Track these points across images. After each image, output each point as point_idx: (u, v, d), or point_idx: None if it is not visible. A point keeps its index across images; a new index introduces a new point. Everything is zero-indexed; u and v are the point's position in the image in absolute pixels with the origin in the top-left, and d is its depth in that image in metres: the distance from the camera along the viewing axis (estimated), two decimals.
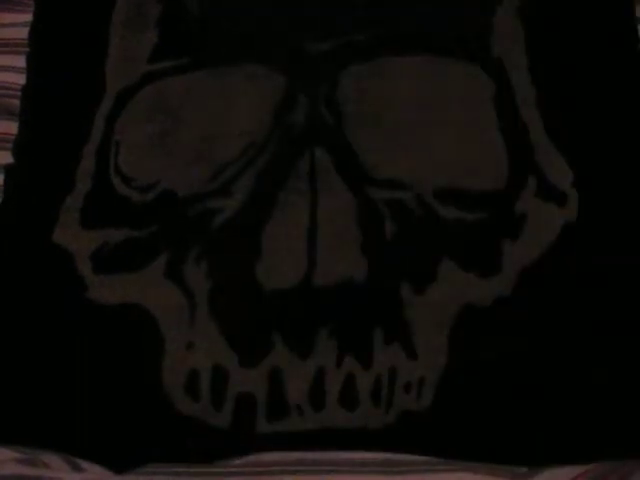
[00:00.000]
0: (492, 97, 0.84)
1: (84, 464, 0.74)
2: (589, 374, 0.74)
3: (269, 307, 0.76)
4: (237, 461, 0.74)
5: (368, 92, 0.84)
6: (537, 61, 0.86)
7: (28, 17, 0.93)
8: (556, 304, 0.76)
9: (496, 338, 0.75)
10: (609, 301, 0.76)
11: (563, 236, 0.79)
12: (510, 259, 0.78)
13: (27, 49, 0.91)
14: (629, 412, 0.73)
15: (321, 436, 0.73)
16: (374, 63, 0.85)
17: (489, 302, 0.76)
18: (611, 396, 0.73)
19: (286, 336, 0.75)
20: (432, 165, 0.81)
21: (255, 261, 0.77)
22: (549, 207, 0.80)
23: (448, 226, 0.79)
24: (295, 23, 0.88)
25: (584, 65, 0.86)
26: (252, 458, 0.74)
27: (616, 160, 0.82)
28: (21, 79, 0.90)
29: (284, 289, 0.76)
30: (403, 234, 0.79)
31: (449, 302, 0.76)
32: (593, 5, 0.88)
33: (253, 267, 0.77)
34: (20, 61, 0.91)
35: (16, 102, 0.89)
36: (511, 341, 0.75)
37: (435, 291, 0.77)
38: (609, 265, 0.78)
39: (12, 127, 0.88)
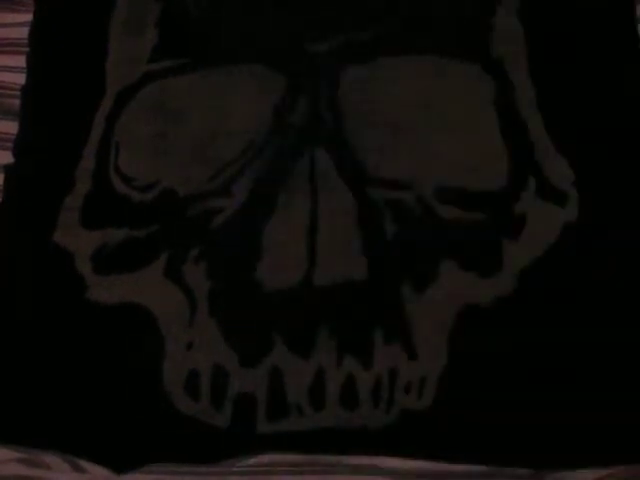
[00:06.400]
0: (492, 97, 0.84)
1: (85, 464, 0.74)
2: (590, 374, 0.74)
3: (269, 307, 0.76)
4: (237, 461, 0.74)
5: (368, 92, 0.84)
6: (537, 61, 0.86)
7: (28, 17, 0.93)
8: (556, 304, 0.76)
9: (496, 338, 0.75)
10: (610, 301, 0.77)
11: (563, 236, 0.79)
12: (510, 259, 0.78)
13: (27, 49, 0.91)
14: (632, 414, 0.73)
15: (321, 436, 0.73)
16: (374, 63, 0.85)
17: (489, 302, 0.76)
18: (614, 397, 0.73)
19: (286, 336, 0.75)
20: (432, 165, 0.81)
21: (255, 261, 0.77)
22: (549, 207, 0.80)
23: (448, 226, 0.79)
24: (295, 23, 0.88)
25: (584, 65, 0.86)
26: (252, 458, 0.74)
27: (617, 160, 0.82)
28: (21, 79, 0.90)
29: (284, 289, 0.76)
30: (403, 234, 0.79)
31: (449, 302, 0.76)
32: (593, 5, 0.88)
33: (253, 267, 0.77)
34: (20, 61, 0.91)
35: (16, 102, 0.89)
36: (511, 341, 0.75)
37: (435, 291, 0.77)
38: (609, 265, 0.78)
39: (12, 127, 0.88)
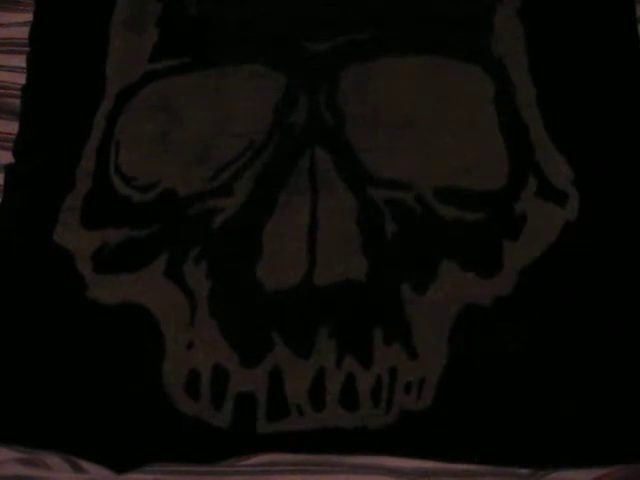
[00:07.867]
0: (492, 97, 0.84)
1: (84, 464, 0.74)
2: (589, 374, 0.74)
3: (269, 307, 0.76)
4: (237, 461, 0.74)
5: (368, 92, 0.84)
6: (537, 61, 0.86)
7: (28, 17, 0.93)
8: (556, 304, 0.76)
9: (496, 338, 0.75)
10: (610, 300, 0.76)
11: (563, 236, 0.79)
12: (510, 259, 0.78)
13: (27, 49, 0.91)
14: (631, 414, 0.73)
15: (321, 436, 0.73)
16: (374, 63, 0.85)
17: (489, 302, 0.76)
18: (613, 397, 0.73)
19: (286, 336, 0.75)
20: (432, 165, 0.81)
21: (255, 261, 0.77)
22: (549, 207, 0.80)
23: (448, 226, 0.79)
24: (296, 23, 0.88)
25: (584, 65, 0.86)
26: (252, 458, 0.74)
27: (616, 159, 0.82)
28: (21, 79, 0.90)
29: (284, 289, 0.76)
30: (403, 234, 0.79)
31: (449, 302, 0.76)
32: (593, 5, 0.89)
33: (253, 267, 0.77)
34: (20, 61, 0.91)
35: (16, 102, 0.89)
36: (511, 341, 0.75)
37: (435, 291, 0.77)
38: (609, 265, 0.78)
39: (12, 127, 0.88)
